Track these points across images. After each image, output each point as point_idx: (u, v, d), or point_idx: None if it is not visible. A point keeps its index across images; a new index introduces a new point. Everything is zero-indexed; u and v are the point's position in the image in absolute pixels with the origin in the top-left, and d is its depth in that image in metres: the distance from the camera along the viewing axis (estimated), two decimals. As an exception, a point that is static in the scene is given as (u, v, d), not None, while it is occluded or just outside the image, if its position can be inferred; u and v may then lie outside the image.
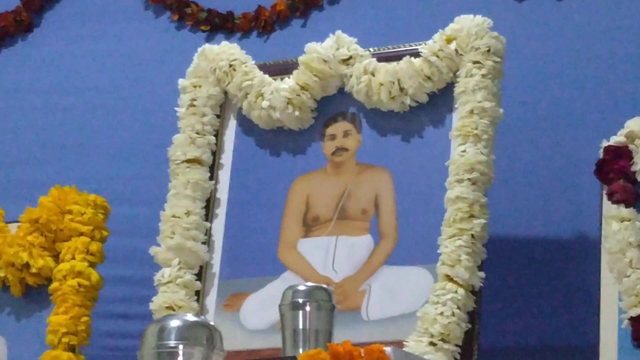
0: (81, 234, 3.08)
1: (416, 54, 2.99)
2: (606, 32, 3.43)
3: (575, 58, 3.40)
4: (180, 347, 2.36)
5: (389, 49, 3.08)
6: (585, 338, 2.83)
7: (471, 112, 2.85)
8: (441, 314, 2.69)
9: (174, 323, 2.43)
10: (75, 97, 3.90)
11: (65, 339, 2.96)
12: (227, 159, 3.17)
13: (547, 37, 3.45)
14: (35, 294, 3.11)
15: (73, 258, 3.05)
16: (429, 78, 2.94)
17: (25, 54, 3.94)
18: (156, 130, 3.37)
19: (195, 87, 3.16)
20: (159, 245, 3.07)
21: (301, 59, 3.09)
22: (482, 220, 2.78)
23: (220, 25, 3.53)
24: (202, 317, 2.69)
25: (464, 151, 2.84)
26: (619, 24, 3.44)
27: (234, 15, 3.60)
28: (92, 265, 3.06)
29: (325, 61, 3.05)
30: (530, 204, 3.28)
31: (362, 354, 2.29)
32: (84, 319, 2.98)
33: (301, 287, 2.57)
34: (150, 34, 3.82)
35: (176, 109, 3.20)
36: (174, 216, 3.03)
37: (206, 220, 3.07)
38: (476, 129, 2.83)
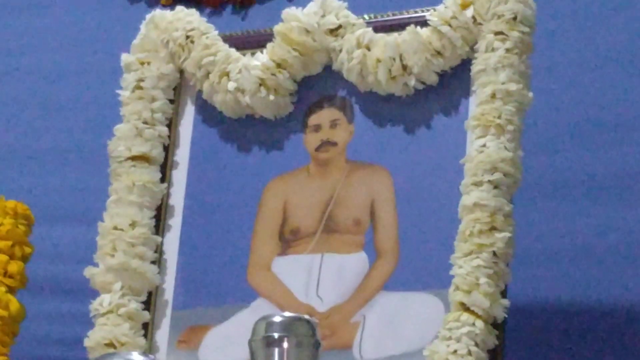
0: (18, 249, 2.91)
1: (423, 23, 2.79)
2: None
3: (624, 33, 3.32)
4: None
5: (388, 15, 2.89)
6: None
7: (493, 96, 2.66)
8: (454, 352, 2.50)
9: None
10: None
11: None
12: (183, 155, 3.02)
13: (588, 3, 3.37)
14: None
15: None
16: (439, 53, 2.75)
17: None
18: (99, 127, 3.28)
19: (142, 64, 3.01)
20: (96, 265, 2.92)
21: (277, 28, 2.92)
22: (507, 234, 2.58)
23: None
24: (151, 356, 2.50)
25: (484, 145, 2.64)
26: None
27: None
28: (11, 291, 2.86)
29: (307, 31, 2.88)
30: (570, 212, 3.19)
31: None
32: (2, 358, 2.81)
33: (277, 319, 2.35)
34: (96, 7, 3.78)
35: (119, 91, 3.03)
36: (115, 228, 2.87)
37: (156, 233, 2.90)
38: (499, 117, 2.64)
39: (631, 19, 3.39)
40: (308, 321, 2.38)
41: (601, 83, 3.28)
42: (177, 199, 3.00)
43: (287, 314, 2.42)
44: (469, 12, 2.76)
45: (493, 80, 2.68)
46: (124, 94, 3.03)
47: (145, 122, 2.98)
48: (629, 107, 3.22)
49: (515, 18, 2.73)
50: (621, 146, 3.18)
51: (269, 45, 2.95)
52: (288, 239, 2.83)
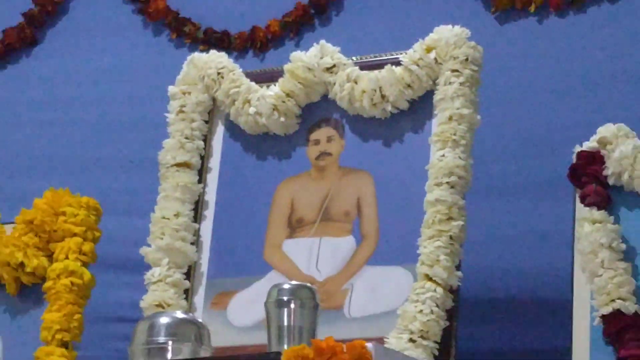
0: (74, 234, 2.94)
1: (397, 63, 2.85)
2: (577, 43, 3.29)
3: (548, 69, 3.29)
4: (170, 343, 2.40)
5: (371, 57, 2.95)
6: (558, 335, 2.70)
7: (450, 118, 2.73)
8: (420, 311, 2.58)
9: (163, 320, 2.48)
10: (75, 109, 3.75)
11: (58, 336, 2.84)
12: (215, 162, 3.03)
13: (521, 47, 3.33)
14: (30, 292, 2.97)
15: (66, 258, 2.90)
16: (409, 86, 2.81)
17: (29, 68, 3.80)
18: (151, 143, 3.18)
19: (184, 93, 3.02)
20: (149, 246, 2.96)
21: (286, 67, 2.96)
22: (460, 222, 2.67)
23: (217, 44, 3.43)
24: (191, 314, 2.71)
25: (443, 156, 2.71)
26: (590, 37, 3.29)
27: (229, 34, 3.54)
28: (84, 264, 2.91)
29: (309, 69, 2.92)
30: (506, 208, 3.17)
31: (345, 350, 2.20)
32: (77, 316, 2.85)
33: (286, 286, 2.45)
34: (149, 51, 3.71)
35: (166, 114, 3.05)
36: (163, 218, 2.90)
37: (195, 221, 2.94)
38: (455, 134, 2.72)
39: (550, 61, 3.32)
40: (309, 288, 2.43)
41: (528, 111, 3.23)
42: (211, 195, 3.00)
43: (294, 282, 2.50)
44: (432, 55, 2.81)
45: (450, 107, 2.73)
46: (170, 116, 3.04)
47: (186, 138, 2.99)
48: (548, 129, 3.17)
49: (467, 59, 2.78)
50: (542, 158, 3.12)
51: (280, 80, 2.97)
52: (294, 226, 2.86)
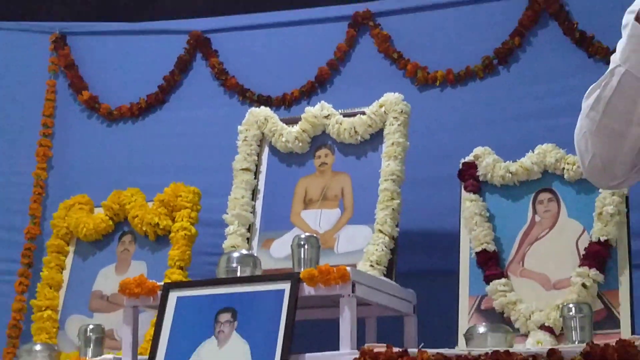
0: (186, 207, 3.13)
1: (363, 113, 3.01)
2: (460, 101, 3.32)
3: (447, 117, 3.31)
4: (238, 267, 2.64)
5: (349, 110, 3.06)
6: (451, 262, 2.81)
7: (392, 144, 2.91)
8: (376, 250, 2.79)
9: (235, 254, 2.72)
10: (183, 142, 3.58)
11: (178, 263, 3.04)
12: (263, 168, 3.13)
13: (432, 104, 3.32)
14: (162, 239, 3.16)
15: (182, 220, 3.11)
16: (370, 126, 2.99)
17: (159, 120, 3.68)
18: (230, 158, 3.17)
19: (247, 130, 3.14)
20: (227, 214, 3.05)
21: (303, 115, 3.10)
22: (397, 201, 2.86)
23: (264, 103, 3.43)
24: (250, 251, 2.86)
25: (388, 165, 2.90)
26: (466, 98, 3.32)
27: (271, 97, 3.52)
28: (192, 224, 3.12)
29: (315, 117, 3.07)
30: (425, 192, 3.13)
31: (335, 271, 2.44)
32: (188, 252, 3.08)
33: (303, 235, 2.71)
34: (228, 106, 3.60)
35: (237, 141, 3.14)
36: (235, 198, 3.04)
37: (252, 200, 3.06)
38: (395, 153, 2.90)
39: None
40: (315, 237, 2.70)
41: (437, 140, 3.24)
42: (261, 186, 3.08)
43: (307, 233, 2.74)
44: (382, 109, 2.98)
45: (392, 138, 2.92)
46: (239, 143, 3.13)
47: (247, 154, 3.12)
48: (447, 150, 3.14)
49: (401, 111, 2.94)
50: (445, 165, 3.06)
51: (299, 122, 3.09)
52: (307, 203, 3.01)
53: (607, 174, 1.65)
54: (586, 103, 1.66)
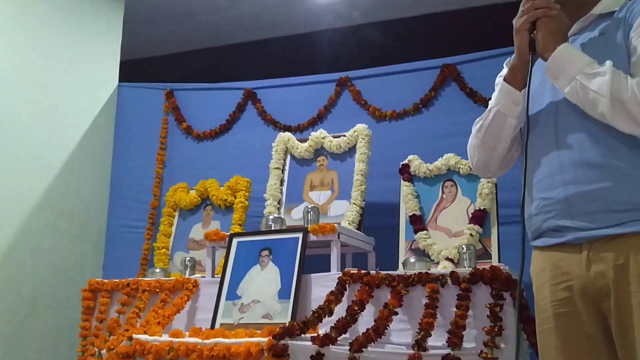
0: (242, 190, 3.06)
1: (344, 135, 2.94)
2: (379, 130, 3.12)
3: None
4: (273, 224, 2.66)
5: (337, 134, 2.97)
6: (393, 219, 2.72)
7: (361, 154, 2.86)
8: (352, 213, 2.75)
9: (271, 217, 2.72)
10: (232, 159, 3.43)
11: (238, 222, 2.98)
12: (287, 168, 3.03)
13: (382, 131, 3.14)
14: (229, 208, 3.07)
15: (240, 198, 3.03)
16: (348, 143, 2.93)
17: (227, 140, 3.52)
18: (267, 163, 3.04)
19: (277, 145, 3.06)
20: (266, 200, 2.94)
21: (310, 137, 3.02)
22: (364, 186, 2.80)
23: (287, 130, 3.28)
24: (279, 215, 2.83)
25: (360, 166, 2.82)
26: (390, 128, 3.19)
27: (291, 126, 3.37)
28: (246, 199, 3.04)
29: (317, 138, 3.00)
30: (378, 183, 2.92)
31: (328, 227, 2.44)
32: (244, 216, 3.01)
33: (309, 206, 2.68)
34: (263, 131, 3.44)
35: (271, 152, 3.06)
36: (271, 185, 2.97)
37: (280, 186, 2.98)
38: (362, 160, 2.84)
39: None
40: (316, 207, 2.67)
41: (392, 154, 2.94)
42: (286, 178, 3.00)
43: (312, 205, 2.70)
44: (356, 134, 2.91)
45: (361, 150, 2.86)
46: (274, 154, 3.04)
47: (278, 159, 3.04)
48: (388, 161, 2.90)
49: (366, 135, 2.88)
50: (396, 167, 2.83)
51: (307, 141, 3.01)
52: (312, 187, 2.93)
53: (486, 169, 1.70)
54: (474, 129, 1.72)
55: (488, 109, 1.67)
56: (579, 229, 1.40)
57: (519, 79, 1.52)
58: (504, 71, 1.70)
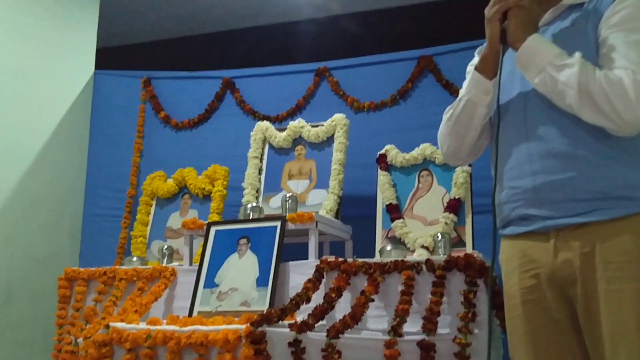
0: (220, 179, 3.03)
1: (322, 125, 2.91)
2: (375, 120, 3.15)
3: (359, 132, 3.02)
4: (251, 213, 2.61)
5: (315, 124, 2.94)
6: (371, 212, 2.68)
7: (339, 144, 2.84)
8: (329, 203, 2.73)
9: (249, 205, 2.76)
10: (211, 146, 3.39)
11: (216, 211, 2.94)
12: (265, 157, 2.99)
13: (362, 123, 3.14)
14: (206, 197, 3.04)
15: (218, 187, 3.00)
16: (326, 132, 2.89)
17: (205, 130, 3.48)
18: (245, 152, 3.01)
19: (256, 134, 3.02)
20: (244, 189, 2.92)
21: (288, 126, 2.98)
22: (342, 176, 2.79)
23: (265, 119, 3.23)
24: (257, 204, 2.75)
25: (338, 157, 2.81)
26: (377, 119, 3.16)
27: (270, 116, 3.33)
28: (224, 188, 2.99)
29: (295, 127, 2.96)
30: (355, 173, 2.88)
31: (306, 216, 2.42)
32: (221, 205, 2.96)
33: (288, 194, 2.68)
34: (240, 120, 3.39)
35: (250, 141, 3.01)
36: (249, 174, 2.94)
37: (259, 175, 2.94)
38: (340, 149, 2.82)
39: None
40: (295, 196, 2.66)
41: (365, 145, 2.93)
42: (264, 166, 2.97)
43: (289, 194, 2.66)
44: (334, 123, 2.89)
45: (339, 140, 2.84)
46: (252, 143, 3.00)
47: (255, 149, 2.99)
48: (370, 150, 2.82)
49: (344, 124, 2.86)
50: (370, 157, 2.80)
51: (286, 130, 2.96)
52: (290, 176, 2.89)
53: (455, 157, 1.70)
54: (445, 117, 1.72)
55: (459, 97, 1.67)
56: (546, 217, 1.41)
57: (490, 69, 1.52)
58: (475, 59, 1.70)
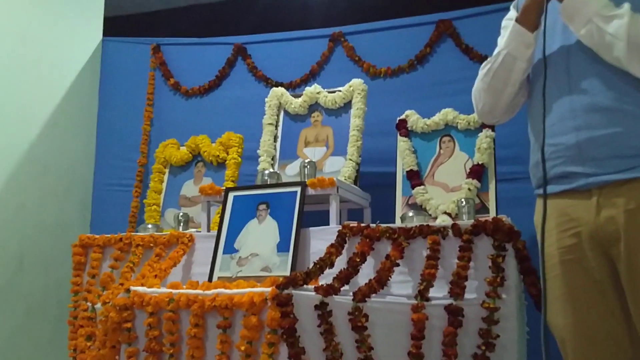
0: (235, 146, 2.98)
1: (340, 91, 2.88)
2: (391, 87, 3.12)
3: (381, 95, 3.03)
4: (268, 179, 2.55)
5: (332, 90, 2.90)
6: (391, 179, 2.66)
7: (357, 109, 2.80)
8: (349, 170, 2.70)
9: (267, 171, 2.78)
10: (223, 113, 3.36)
11: (231, 179, 2.91)
12: (280, 124, 2.96)
13: (378, 87, 3.10)
14: (221, 165, 3.00)
15: (233, 154, 2.97)
16: (344, 98, 2.86)
17: (217, 97, 3.46)
18: (260, 119, 2.99)
19: (271, 100, 2.99)
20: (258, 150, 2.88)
21: (304, 92, 2.95)
22: (360, 142, 2.76)
23: (280, 85, 3.20)
24: (274, 171, 2.67)
25: (356, 123, 2.77)
26: (394, 87, 3.13)
27: (283, 82, 3.29)
28: (238, 156, 2.97)
29: (311, 93, 2.93)
30: (374, 139, 2.91)
31: (327, 180, 2.38)
32: (236, 172, 2.94)
33: (306, 161, 2.63)
34: (255, 87, 3.36)
35: (264, 107, 2.98)
36: (264, 141, 2.91)
37: (274, 142, 2.92)
38: (359, 115, 2.79)
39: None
40: (313, 162, 2.61)
41: (385, 110, 2.92)
42: (279, 134, 2.92)
43: (307, 160, 2.62)
44: (352, 88, 2.85)
45: (357, 105, 2.80)
46: (267, 109, 2.97)
47: (271, 115, 2.96)
48: (390, 117, 2.77)
49: (362, 90, 2.82)
50: (390, 126, 2.81)
51: (302, 96, 2.94)
52: (306, 143, 2.88)
53: (491, 115, 1.67)
54: (481, 72, 1.68)
55: (497, 51, 1.64)
56: (590, 174, 1.39)
57: (532, 20, 1.49)
58: (511, 13, 1.68)
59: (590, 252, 1.39)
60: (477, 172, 2.51)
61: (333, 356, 1.76)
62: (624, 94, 1.35)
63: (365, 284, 1.95)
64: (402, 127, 2.72)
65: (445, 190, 2.54)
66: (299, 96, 2.97)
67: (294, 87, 3.33)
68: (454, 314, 1.85)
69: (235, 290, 1.83)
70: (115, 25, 3.68)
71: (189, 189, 3.02)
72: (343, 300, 1.86)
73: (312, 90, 2.94)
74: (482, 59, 2.91)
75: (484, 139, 2.56)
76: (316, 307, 1.84)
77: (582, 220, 1.40)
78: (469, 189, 2.49)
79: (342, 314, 1.82)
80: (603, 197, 1.36)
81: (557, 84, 1.45)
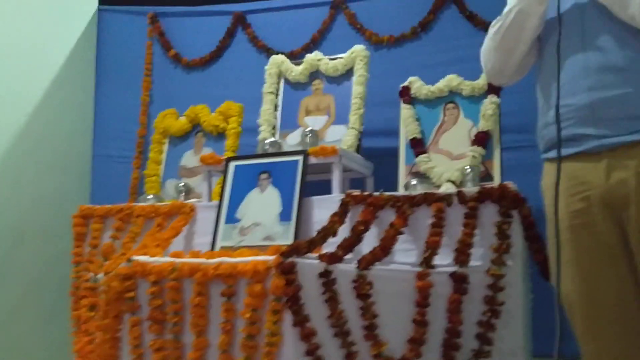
0: (235, 116, 2.95)
1: (341, 58, 2.83)
2: (395, 55, 3.07)
3: (386, 64, 2.99)
4: (270, 148, 2.57)
5: (333, 57, 2.86)
6: (394, 147, 2.65)
7: (359, 76, 2.76)
8: (350, 137, 2.67)
9: (268, 140, 2.71)
10: (226, 86, 3.30)
11: (232, 148, 2.87)
12: (281, 91, 2.93)
13: (380, 56, 3.06)
14: (221, 135, 2.95)
15: (233, 124, 2.92)
16: (345, 65, 2.81)
17: (217, 68, 3.40)
18: (259, 87, 2.96)
19: (270, 68, 2.95)
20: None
21: (304, 60, 2.91)
22: (362, 110, 2.71)
23: (280, 53, 3.09)
24: (275, 140, 2.65)
25: (359, 90, 2.72)
26: (397, 56, 3.07)
27: (285, 52, 3.16)
28: (238, 125, 2.89)
29: (312, 60, 2.89)
30: (377, 107, 2.84)
31: (329, 148, 2.39)
32: (237, 142, 2.89)
33: (307, 129, 2.63)
34: (256, 56, 3.31)
35: (264, 76, 2.94)
36: (264, 110, 2.88)
37: (275, 111, 2.89)
38: (361, 82, 2.75)
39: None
40: (315, 131, 2.61)
41: (385, 79, 2.88)
42: (279, 103, 2.91)
43: (309, 129, 2.60)
44: (354, 54, 2.79)
45: (359, 72, 2.76)
46: (266, 77, 2.94)
47: (271, 83, 2.92)
48: (393, 86, 2.71)
49: (365, 56, 2.78)
50: (393, 98, 2.75)
51: (302, 64, 2.90)
52: (307, 112, 2.84)
53: (501, 75, 1.63)
54: (491, 31, 1.64)
55: (508, 9, 1.60)
56: (601, 136, 1.37)
57: None
58: None
59: (601, 216, 1.37)
60: (482, 139, 2.48)
61: (337, 324, 1.77)
62: (638, 53, 1.33)
63: (370, 251, 1.95)
64: (405, 94, 2.67)
65: (450, 158, 2.52)
66: (300, 64, 2.92)
67: (296, 57, 3.26)
68: (459, 281, 1.87)
69: (238, 259, 1.82)
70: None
71: (189, 159, 2.99)
72: (347, 269, 1.86)
73: (313, 57, 2.89)
74: (486, 25, 2.72)
75: (488, 105, 2.52)
76: (320, 275, 1.82)
77: (593, 184, 1.38)
78: (474, 157, 2.46)
79: (346, 282, 1.81)
80: (614, 159, 1.34)
81: (570, 42, 1.42)
